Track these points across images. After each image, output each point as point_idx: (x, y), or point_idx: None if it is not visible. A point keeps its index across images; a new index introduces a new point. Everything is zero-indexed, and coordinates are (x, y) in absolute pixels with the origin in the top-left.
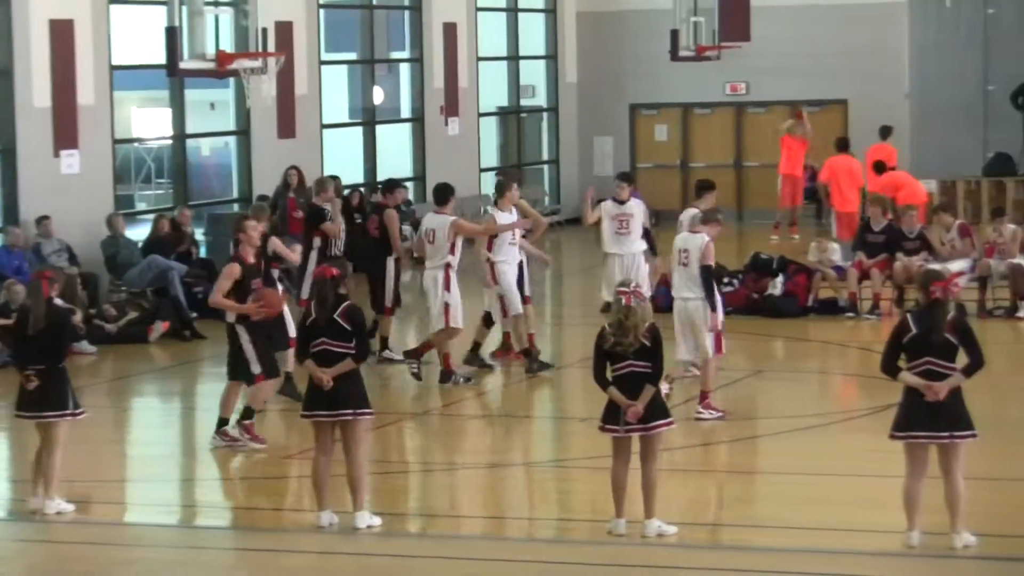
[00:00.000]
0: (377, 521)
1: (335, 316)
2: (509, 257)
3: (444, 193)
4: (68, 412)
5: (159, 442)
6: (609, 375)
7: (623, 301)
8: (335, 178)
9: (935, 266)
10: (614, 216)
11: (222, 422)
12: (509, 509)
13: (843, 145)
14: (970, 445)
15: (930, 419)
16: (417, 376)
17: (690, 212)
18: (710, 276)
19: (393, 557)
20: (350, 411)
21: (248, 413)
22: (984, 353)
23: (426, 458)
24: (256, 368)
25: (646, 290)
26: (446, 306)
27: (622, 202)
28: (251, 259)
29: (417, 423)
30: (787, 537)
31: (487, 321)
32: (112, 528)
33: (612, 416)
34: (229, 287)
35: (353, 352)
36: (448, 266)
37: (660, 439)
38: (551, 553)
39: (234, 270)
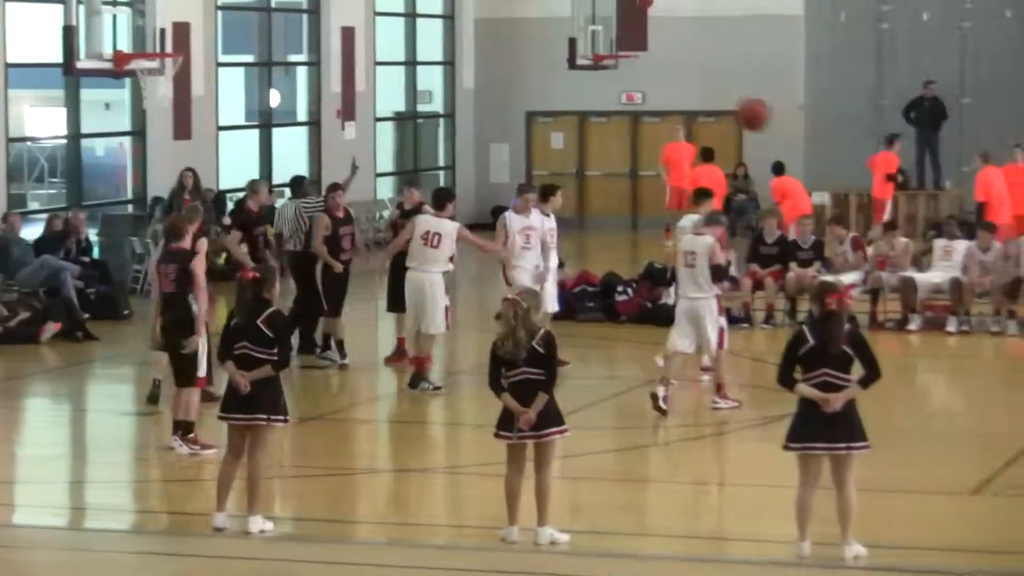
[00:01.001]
0: (270, 526)
1: (257, 321)
2: (523, 262)
3: (443, 197)
4: None
5: (49, 443)
6: (504, 382)
7: (509, 309)
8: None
9: (829, 278)
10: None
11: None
12: (403, 515)
13: (708, 155)
14: (861, 456)
15: (826, 430)
16: (435, 388)
17: (690, 218)
18: (720, 274)
19: (284, 562)
20: (264, 416)
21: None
22: (879, 364)
23: (320, 463)
24: (203, 371)
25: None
26: (446, 310)
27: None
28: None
29: (313, 427)
30: (678, 545)
31: None
32: (0, 529)
33: (506, 423)
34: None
35: (274, 359)
36: (446, 273)
37: (553, 446)
38: (443, 559)
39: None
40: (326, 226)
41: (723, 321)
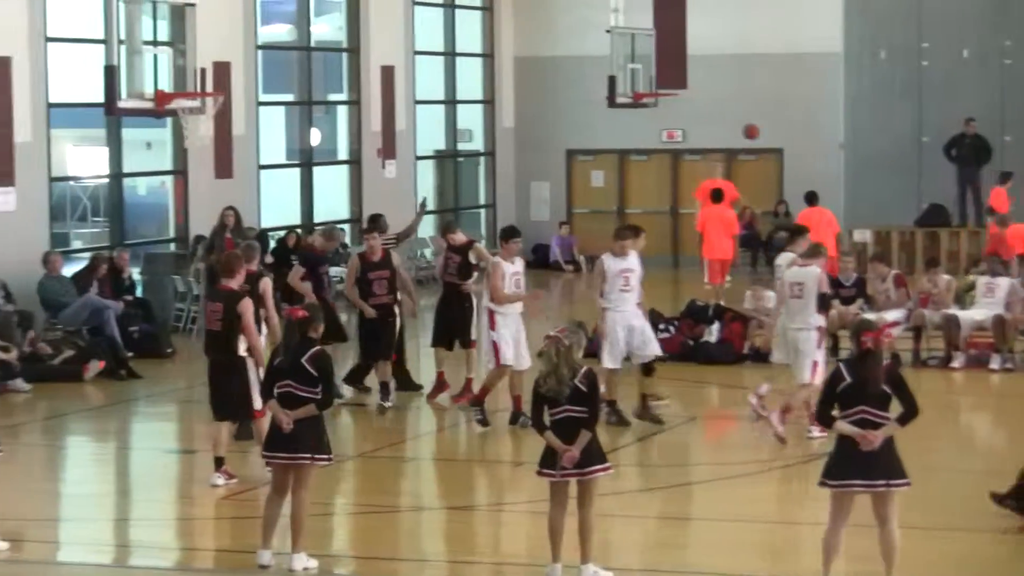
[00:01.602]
0: (313, 564)
1: (302, 360)
2: (623, 305)
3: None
4: None
5: (93, 481)
6: (547, 419)
7: (551, 348)
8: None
9: (870, 315)
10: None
11: (219, 461)
12: (447, 553)
13: (717, 196)
14: (902, 494)
15: (864, 468)
16: (483, 423)
17: (787, 256)
18: (826, 303)
19: None
20: (308, 456)
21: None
22: (917, 402)
23: (364, 500)
24: (259, 403)
25: None
26: (494, 345)
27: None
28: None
29: (356, 464)
30: None
31: (646, 370)
32: (44, 567)
33: (549, 461)
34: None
35: (317, 398)
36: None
37: (597, 484)
38: None
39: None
40: (356, 269)
41: (820, 355)
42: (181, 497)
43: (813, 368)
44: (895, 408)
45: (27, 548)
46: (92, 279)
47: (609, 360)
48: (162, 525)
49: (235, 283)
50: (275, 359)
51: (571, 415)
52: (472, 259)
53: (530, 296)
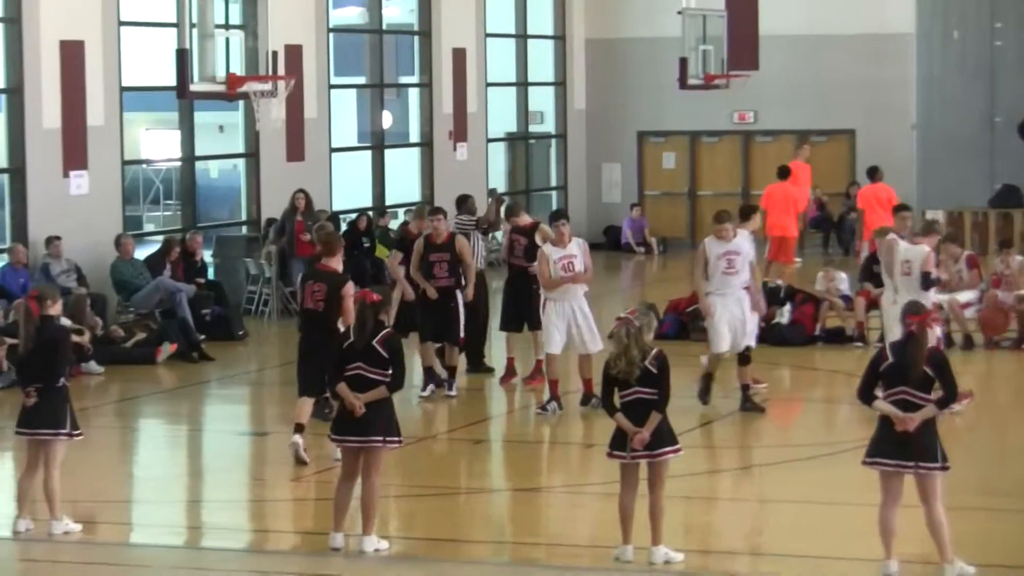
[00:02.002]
0: (385, 545)
1: (373, 342)
2: (726, 288)
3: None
4: (64, 432)
5: (165, 463)
6: (617, 401)
7: (622, 330)
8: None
9: (943, 297)
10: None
11: (299, 427)
12: (516, 535)
13: (783, 173)
14: (978, 477)
15: (899, 448)
16: (546, 409)
17: (885, 229)
18: (929, 282)
19: None
20: (380, 439)
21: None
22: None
23: (435, 482)
24: None
25: None
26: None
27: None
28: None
29: (427, 446)
30: (787, 566)
31: (742, 359)
32: (117, 549)
33: (619, 442)
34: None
35: (388, 380)
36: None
37: (667, 466)
38: None
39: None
40: (420, 250)
41: (939, 331)
42: (253, 479)
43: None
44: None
45: (100, 530)
46: (165, 262)
47: (717, 344)
48: (234, 507)
49: (336, 263)
50: (344, 342)
51: (641, 397)
52: (538, 241)
53: (571, 279)
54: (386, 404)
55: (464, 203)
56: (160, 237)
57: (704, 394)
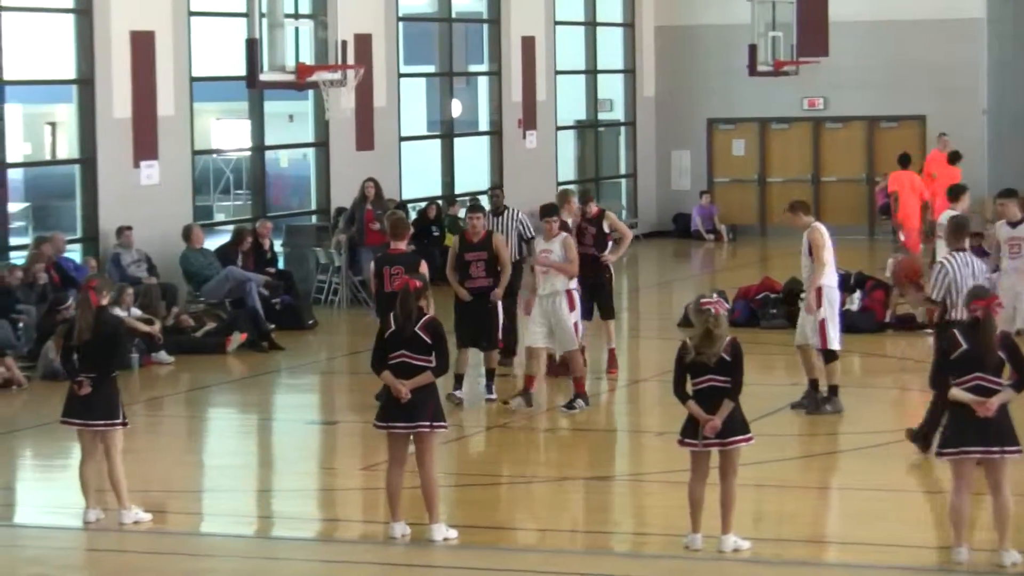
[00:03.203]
0: (454, 533)
1: (416, 329)
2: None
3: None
4: (119, 422)
5: (235, 452)
6: (689, 389)
7: (712, 311)
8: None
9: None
10: (1007, 240)
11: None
12: (586, 523)
13: (905, 161)
14: (1017, 461)
15: (981, 435)
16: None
17: (947, 214)
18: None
19: (469, 570)
20: (427, 423)
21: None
22: None
23: (502, 471)
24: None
25: None
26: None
27: (1015, 224)
28: (474, 239)
29: (494, 436)
30: (856, 553)
31: None
32: (186, 538)
33: (691, 430)
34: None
35: (432, 366)
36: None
37: (738, 454)
38: (627, 567)
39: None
40: (455, 248)
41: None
42: (323, 468)
43: None
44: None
45: (170, 519)
46: (236, 252)
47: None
48: (304, 496)
49: (403, 246)
50: (385, 330)
51: (715, 384)
52: (606, 228)
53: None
54: (431, 389)
55: (495, 194)
56: (230, 227)
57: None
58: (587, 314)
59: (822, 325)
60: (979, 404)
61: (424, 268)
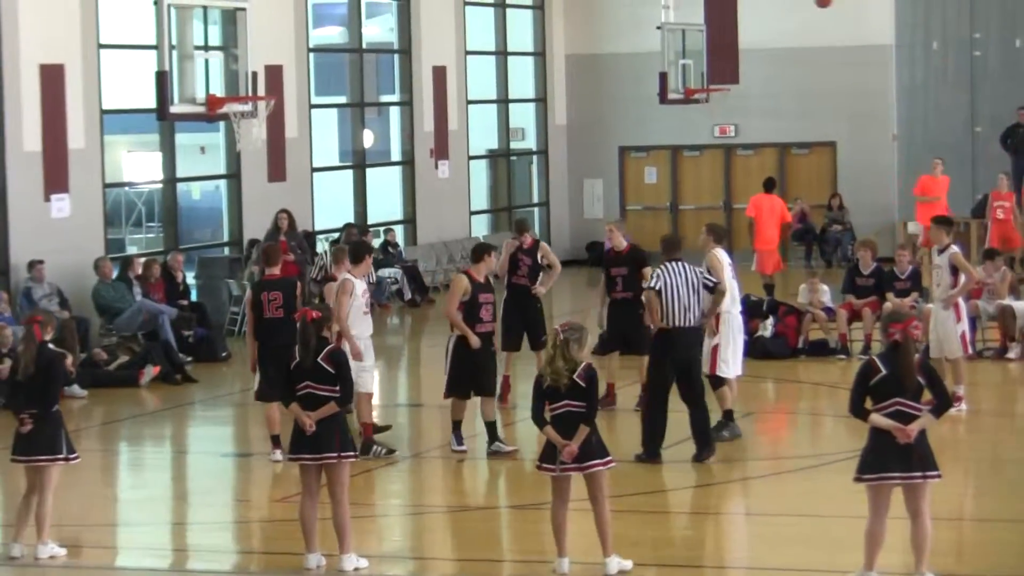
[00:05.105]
0: (364, 563)
1: (319, 360)
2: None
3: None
4: (60, 456)
5: (149, 485)
6: (547, 415)
7: (555, 339)
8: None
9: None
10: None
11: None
12: (496, 551)
13: (770, 185)
14: (977, 485)
15: (901, 460)
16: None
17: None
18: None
19: None
20: (334, 454)
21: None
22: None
23: (420, 500)
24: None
25: None
26: None
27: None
28: (480, 278)
29: (407, 465)
30: None
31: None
32: (102, 572)
33: (549, 456)
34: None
35: (337, 396)
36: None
37: (603, 478)
38: None
39: (462, 282)
40: (464, 290)
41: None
42: (238, 500)
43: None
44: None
45: (85, 553)
46: (145, 284)
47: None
48: (218, 529)
49: (279, 270)
50: (292, 361)
51: (571, 410)
52: (540, 259)
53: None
54: (338, 419)
55: (522, 226)
56: (143, 259)
57: None
58: (516, 345)
59: (714, 350)
60: (899, 430)
61: (300, 293)
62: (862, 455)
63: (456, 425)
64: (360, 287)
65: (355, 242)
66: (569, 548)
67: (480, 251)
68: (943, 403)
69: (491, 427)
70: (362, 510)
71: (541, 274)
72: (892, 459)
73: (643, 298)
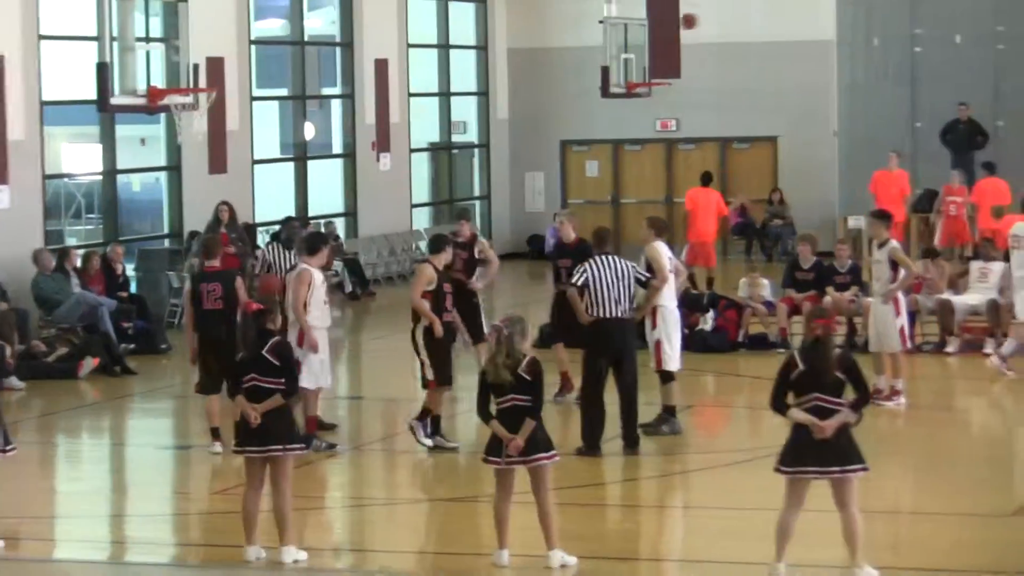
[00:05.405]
0: (303, 556)
1: (263, 352)
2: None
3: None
4: None
5: (88, 478)
6: (492, 409)
7: (493, 336)
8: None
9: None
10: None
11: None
12: (436, 544)
13: (707, 179)
14: (913, 480)
15: (819, 455)
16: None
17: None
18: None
19: None
20: (280, 447)
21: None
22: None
23: (360, 493)
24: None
25: None
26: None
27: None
28: (441, 268)
29: (348, 458)
30: (701, 571)
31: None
32: (40, 565)
33: (495, 449)
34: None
35: (282, 388)
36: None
37: (547, 471)
38: None
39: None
40: (430, 279)
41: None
42: (177, 493)
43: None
44: (849, 395)
45: (23, 546)
46: (84, 276)
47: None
48: (157, 521)
49: (219, 263)
50: (237, 354)
51: (517, 404)
52: (476, 254)
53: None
54: (284, 412)
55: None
56: (83, 251)
57: None
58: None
59: (657, 345)
60: (815, 426)
61: (239, 285)
62: (783, 447)
63: (436, 419)
64: (319, 277)
65: (311, 233)
66: (510, 541)
67: (440, 242)
68: (862, 399)
69: (436, 420)
70: (302, 503)
71: (478, 269)
72: (809, 454)
73: (567, 295)
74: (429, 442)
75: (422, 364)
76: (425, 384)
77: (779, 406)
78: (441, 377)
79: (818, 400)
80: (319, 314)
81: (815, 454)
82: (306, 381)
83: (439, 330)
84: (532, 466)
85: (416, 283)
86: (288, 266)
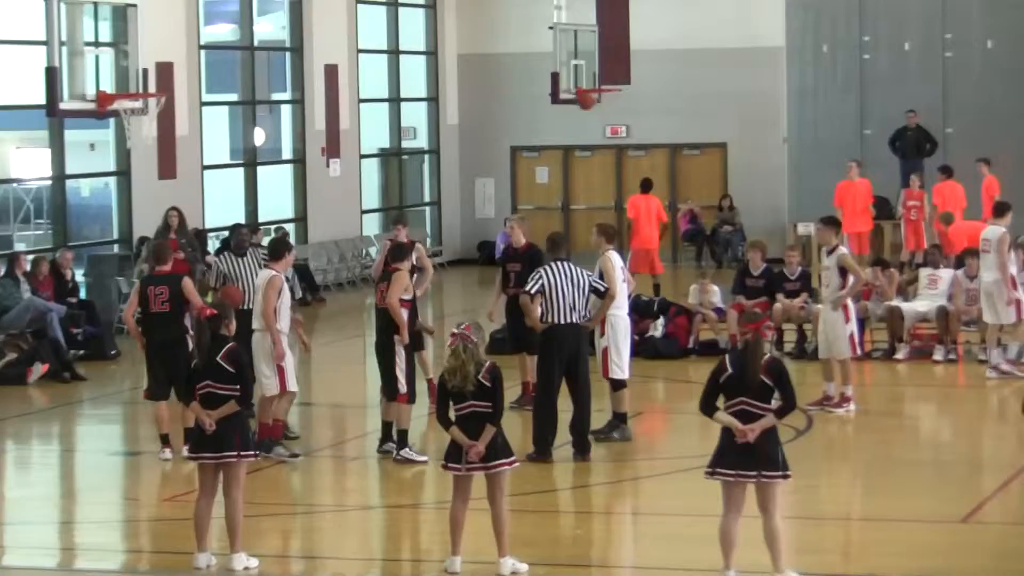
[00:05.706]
0: (254, 563)
1: (217, 359)
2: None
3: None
4: None
5: (37, 484)
6: (452, 415)
7: (459, 345)
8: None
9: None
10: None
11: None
12: (386, 550)
13: (647, 186)
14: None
15: (741, 458)
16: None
17: (994, 229)
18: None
19: None
20: (234, 453)
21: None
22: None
23: (311, 499)
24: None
25: None
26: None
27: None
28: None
29: (301, 465)
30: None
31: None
32: None
33: (455, 455)
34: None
35: (237, 394)
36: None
37: (504, 478)
38: None
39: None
40: (406, 287)
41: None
42: (126, 499)
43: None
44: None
45: None
46: (33, 281)
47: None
48: (107, 528)
49: (168, 267)
50: (192, 361)
51: (476, 410)
52: (414, 260)
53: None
54: (239, 418)
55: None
56: (31, 256)
57: None
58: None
59: (604, 353)
60: (738, 429)
61: (187, 284)
62: (714, 452)
63: (403, 433)
64: (285, 283)
65: (275, 239)
66: (462, 547)
67: (403, 249)
68: (788, 405)
69: (388, 427)
70: (253, 509)
71: (414, 276)
72: (732, 457)
73: (519, 302)
74: (424, 457)
75: (395, 377)
76: (393, 396)
77: (707, 409)
78: (412, 393)
79: (744, 404)
80: (285, 320)
81: (737, 457)
82: (291, 384)
83: (405, 338)
84: (492, 472)
85: (393, 290)
86: (244, 274)
